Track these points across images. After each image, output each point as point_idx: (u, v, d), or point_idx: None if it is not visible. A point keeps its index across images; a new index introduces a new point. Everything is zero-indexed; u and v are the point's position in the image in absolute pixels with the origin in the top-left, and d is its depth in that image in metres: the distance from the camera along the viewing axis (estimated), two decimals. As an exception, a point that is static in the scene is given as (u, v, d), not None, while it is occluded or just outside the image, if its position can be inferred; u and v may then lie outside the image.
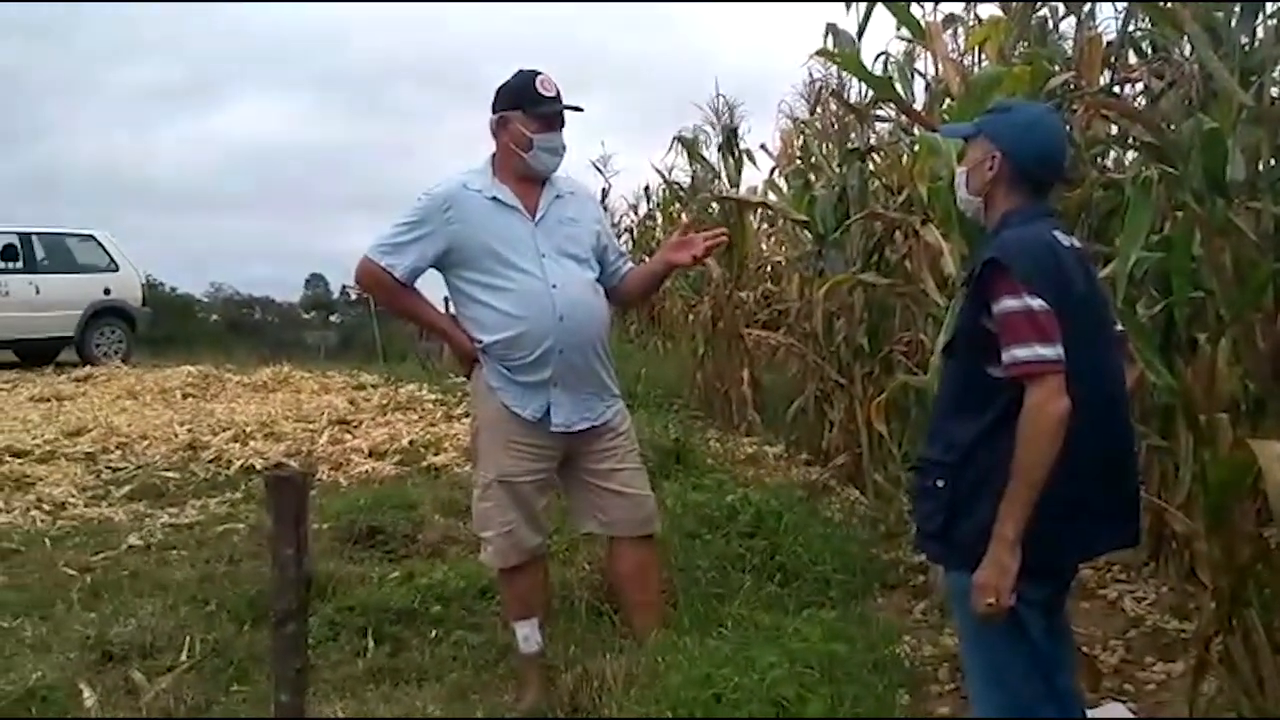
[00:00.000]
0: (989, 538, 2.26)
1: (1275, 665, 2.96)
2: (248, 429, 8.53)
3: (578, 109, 3.59)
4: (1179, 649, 3.80)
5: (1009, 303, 2.26)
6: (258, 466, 7.35)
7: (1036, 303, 2.24)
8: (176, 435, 8.42)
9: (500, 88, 3.59)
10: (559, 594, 4.22)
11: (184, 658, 3.86)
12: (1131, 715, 3.28)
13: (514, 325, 3.45)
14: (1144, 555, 4.69)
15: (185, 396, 10.66)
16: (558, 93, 3.55)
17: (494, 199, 3.53)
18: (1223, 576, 3.03)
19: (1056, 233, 2.41)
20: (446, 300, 3.87)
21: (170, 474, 7.31)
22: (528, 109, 3.51)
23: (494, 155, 3.62)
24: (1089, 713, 2.79)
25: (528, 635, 3.58)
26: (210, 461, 7.69)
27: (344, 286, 39.01)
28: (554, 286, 3.48)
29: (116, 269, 15.10)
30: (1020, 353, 2.23)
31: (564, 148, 3.61)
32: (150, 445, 8.13)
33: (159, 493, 6.87)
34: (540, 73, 3.55)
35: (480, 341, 3.52)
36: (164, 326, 19.98)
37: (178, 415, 9.37)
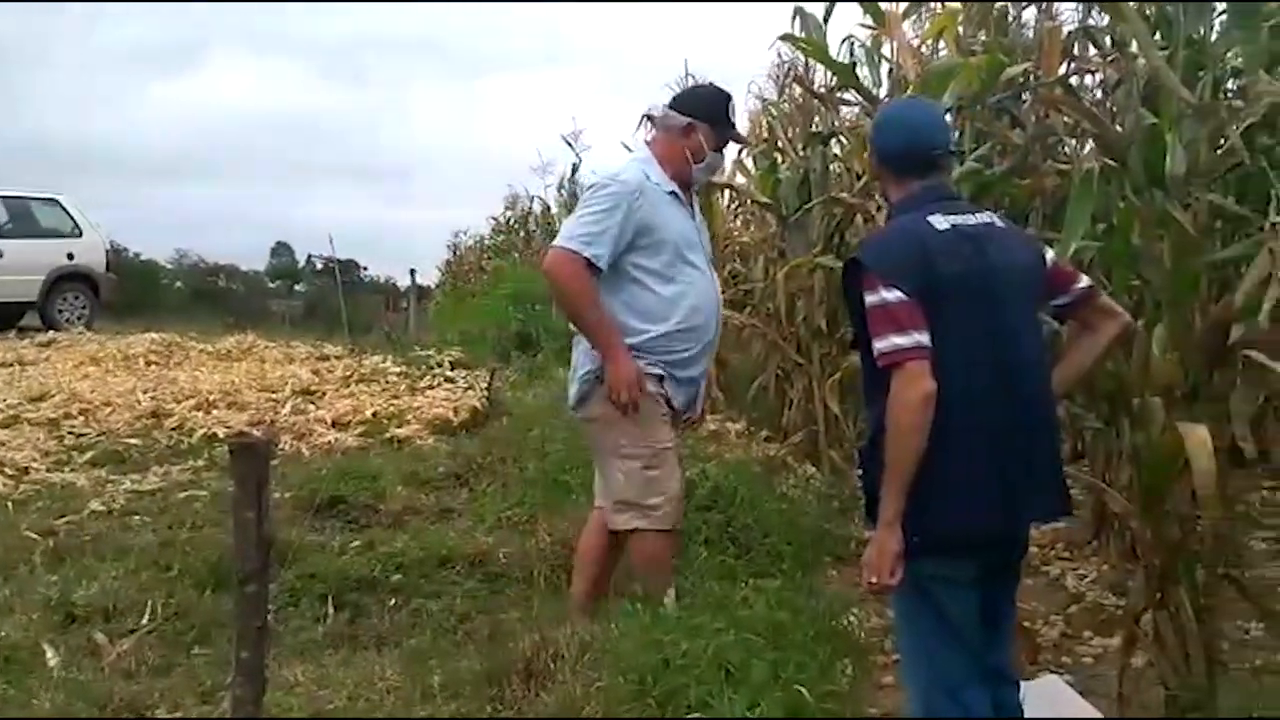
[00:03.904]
0: None
1: (1201, 641, 3.09)
2: (211, 397, 8.47)
3: (742, 140, 3.79)
4: (1116, 624, 3.90)
5: (869, 298, 2.39)
6: (220, 435, 7.30)
7: (892, 295, 2.35)
8: (139, 402, 8.35)
9: (697, 95, 3.79)
10: (519, 563, 4.31)
11: (146, 620, 3.92)
12: (1067, 687, 3.39)
13: (690, 318, 3.55)
14: (1087, 534, 4.84)
15: (148, 364, 10.55)
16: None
17: (671, 193, 3.61)
18: (1153, 555, 3.15)
19: (933, 217, 2.47)
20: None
21: (133, 441, 7.28)
22: (717, 127, 3.63)
23: (652, 149, 3.70)
24: (1026, 684, 2.88)
25: (672, 594, 3.57)
26: (173, 429, 7.64)
27: (309, 255, 38.65)
28: (716, 286, 3.71)
29: (80, 234, 14.89)
30: (879, 345, 2.36)
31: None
32: (113, 412, 8.07)
33: (121, 459, 6.85)
34: (732, 97, 3.71)
35: (647, 331, 3.53)
36: (128, 293, 19.75)
37: (141, 382, 9.29)
